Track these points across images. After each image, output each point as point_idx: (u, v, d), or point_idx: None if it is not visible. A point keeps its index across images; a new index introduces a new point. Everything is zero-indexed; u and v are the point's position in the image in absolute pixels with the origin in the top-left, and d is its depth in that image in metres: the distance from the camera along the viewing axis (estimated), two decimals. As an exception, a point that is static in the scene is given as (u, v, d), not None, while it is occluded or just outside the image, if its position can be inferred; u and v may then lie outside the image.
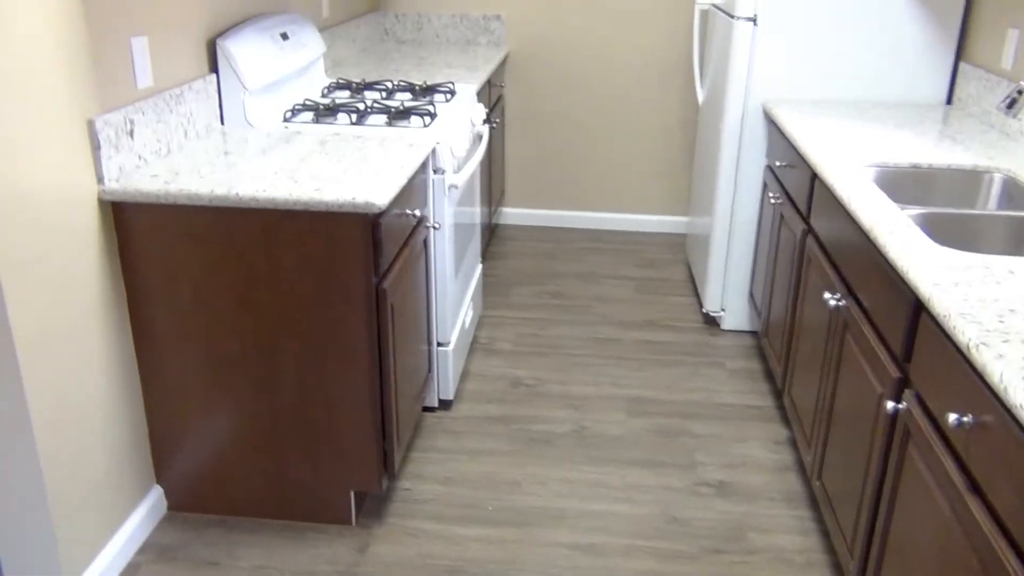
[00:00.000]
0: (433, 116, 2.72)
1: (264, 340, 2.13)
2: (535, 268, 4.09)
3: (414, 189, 2.43)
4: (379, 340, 2.14)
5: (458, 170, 2.74)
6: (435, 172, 2.59)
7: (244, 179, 2.06)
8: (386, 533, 2.30)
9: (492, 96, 3.95)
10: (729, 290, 3.43)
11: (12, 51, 1.68)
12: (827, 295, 2.15)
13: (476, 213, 3.25)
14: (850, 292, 2.06)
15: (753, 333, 3.47)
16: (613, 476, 2.56)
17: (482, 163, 3.59)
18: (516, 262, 4.15)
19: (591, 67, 4.35)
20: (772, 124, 3.08)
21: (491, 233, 4.39)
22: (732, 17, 3.15)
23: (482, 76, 3.52)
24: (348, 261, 2.03)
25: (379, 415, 2.20)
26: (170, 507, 2.35)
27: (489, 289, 3.84)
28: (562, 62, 4.36)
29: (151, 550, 2.22)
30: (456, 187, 2.64)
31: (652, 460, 2.64)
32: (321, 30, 3.54)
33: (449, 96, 3.06)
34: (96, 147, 1.97)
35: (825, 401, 2.20)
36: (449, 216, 2.68)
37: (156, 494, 2.31)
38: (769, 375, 3.14)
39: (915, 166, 2.34)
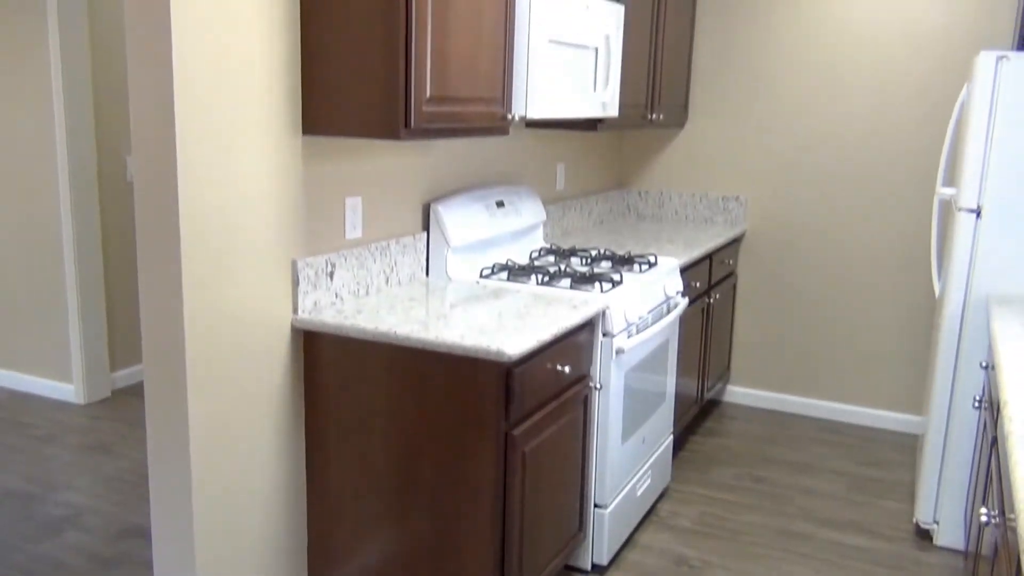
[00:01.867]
0: (615, 283, 2.86)
1: (408, 466, 2.33)
2: (746, 450, 3.94)
3: (577, 348, 2.56)
4: (505, 484, 2.24)
5: (632, 336, 2.83)
6: (604, 335, 2.71)
7: (409, 321, 2.33)
8: None
9: (714, 272, 4.00)
10: (944, 501, 3.07)
11: (235, 201, 2.12)
12: (983, 509, 1.90)
13: (665, 382, 3.27)
14: (1002, 512, 1.81)
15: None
16: None
17: (685, 335, 3.62)
18: (727, 441, 4.03)
19: (828, 251, 4.26)
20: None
21: (704, 408, 4.32)
22: (957, 208, 2.98)
23: (695, 252, 3.61)
24: (481, 404, 2.19)
25: (499, 555, 2.27)
26: (316, 613, 2.56)
27: (687, 463, 3.76)
28: (798, 245, 4.32)
29: (286, 648, 2.42)
30: (623, 351, 2.72)
31: (800, 671, 2.40)
32: (551, 202, 3.88)
33: (645, 267, 3.19)
34: (296, 283, 2.36)
35: (980, 635, 1.91)
36: (616, 379, 2.76)
37: (306, 598, 2.54)
38: (976, 606, 2.73)
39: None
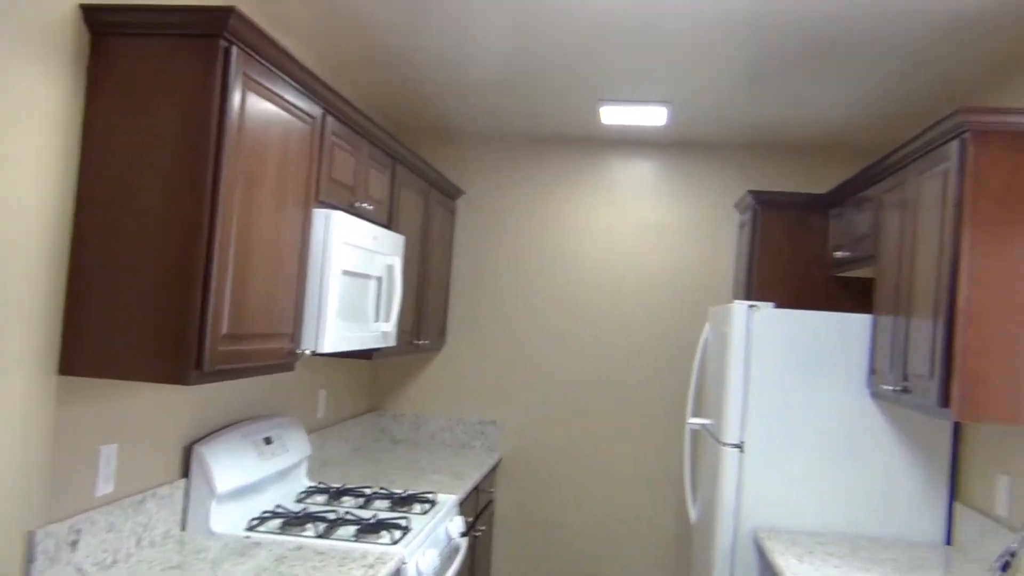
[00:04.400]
0: (404, 531, 2.61)
1: None
2: None
3: (372, 615, 2.24)
4: None
5: (426, 592, 2.56)
6: (399, 595, 2.42)
7: (181, 602, 1.91)
8: None
9: (480, 502, 3.86)
10: None
11: (-40, 462, 1.65)
12: None
13: (448, 636, 2.99)
14: None
15: None
16: None
17: (462, 576, 3.39)
18: None
19: (584, 476, 4.31)
20: (763, 555, 2.93)
21: (470, 652, 4.02)
22: (720, 443, 3.15)
23: (467, 485, 3.46)
24: None
25: None
26: None
27: None
28: (555, 469, 4.34)
29: None
30: (420, 613, 2.45)
31: None
32: (313, 431, 3.57)
33: (427, 507, 2.97)
34: (30, 560, 1.86)
35: None
36: (411, 645, 2.45)
37: None
38: None
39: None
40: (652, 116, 3.75)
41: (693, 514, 3.73)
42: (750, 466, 3.08)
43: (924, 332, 2.47)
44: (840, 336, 3.06)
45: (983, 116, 2.30)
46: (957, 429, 3.02)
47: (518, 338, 4.40)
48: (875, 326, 2.98)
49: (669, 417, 4.29)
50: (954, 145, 2.37)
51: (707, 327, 3.73)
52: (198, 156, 1.89)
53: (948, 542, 2.99)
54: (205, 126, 1.89)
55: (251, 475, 2.65)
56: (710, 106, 3.61)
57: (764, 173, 4.28)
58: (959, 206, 2.33)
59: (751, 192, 3.77)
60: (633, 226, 4.36)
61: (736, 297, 4.07)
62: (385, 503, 3.01)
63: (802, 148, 4.25)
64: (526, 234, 4.42)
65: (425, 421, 4.45)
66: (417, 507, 2.98)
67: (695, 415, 3.92)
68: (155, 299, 1.88)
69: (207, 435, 2.63)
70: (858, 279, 3.72)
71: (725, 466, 3.10)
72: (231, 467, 2.57)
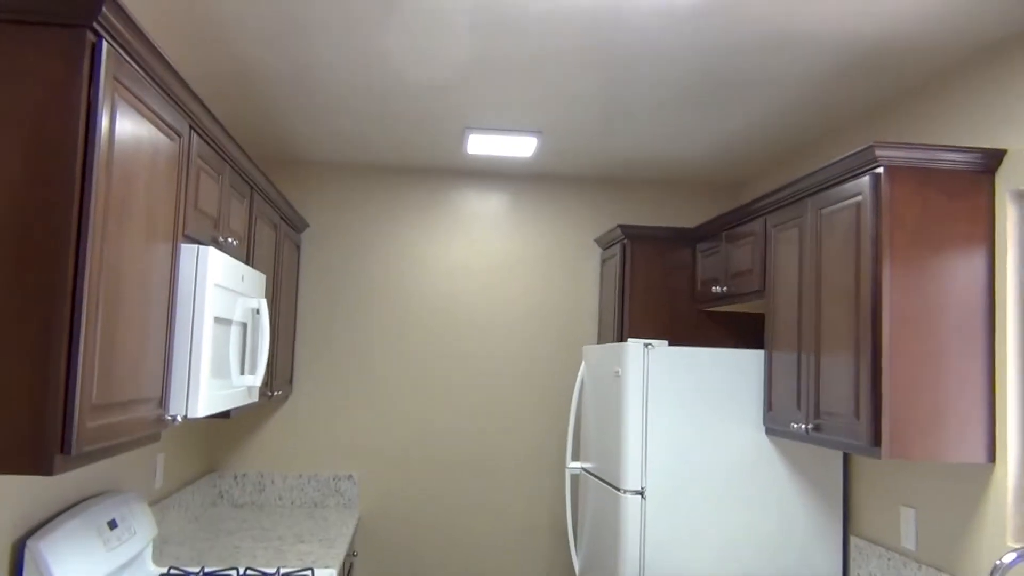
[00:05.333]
0: (294, 624, 2.22)
1: None
2: None
3: None
4: None
5: None
6: None
7: None
8: None
9: (344, 567, 3.47)
10: None
11: None
12: None
13: None
14: None
15: None
16: None
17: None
18: None
19: (451, 529, 4.02)
20: (674, 608, 2.78)
21: None
22: (618, 490, 2.98)
23: (340, 552, 3.08)
24: None
25: None
26: None
27: None
28: (419, 524, 4.01)
29: None
30: None
31: None
32: (153, 503, 3.05)
33: (309, 588, 2.58)
34: None
35: None
36: None
37: None
38: None
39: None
40: (521, 146, 3.58)
41: (577, 564, 3.54)
42: (652, 512, 2.93)
43: (842, 370, 2.42)
44: (734, 373, 3.00)
45: (896, 151, 2.30)
46: (847, 463, 3.03)
47: (373, 384, 4.06)
48: (770, 362, 2.94)
49: (539, 462, 4.08)
50: (866, 179, 2.36)
51: (583, 367, 3.58)
52: (59, 180, 1.47)
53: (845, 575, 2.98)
54: (68, 142, 1.48)
55: (99, 571, 2.16)
56: (577, 138, 3.49)
57: (622, 208, 4.23)
58: (877, 241, 2.31)
59: (621, 226, 3.68)
60: (494, 262, 4.15)
61: (606, 335, 3.96)
62: (256, 587, 2.59)
63: (660, 183, 4.24)
64: (381, 271, 4.10)
65: (271, 480, 3.98)
66: (295, 588, 2.58)
67: (575, 459, 3.75)
68: (6, 372, 1.43)
69: (41, 526, 2.11)
70: (726, 313, 3.72)
71: (626, 514, 2.93)
72: (75, 565, 2.06)
